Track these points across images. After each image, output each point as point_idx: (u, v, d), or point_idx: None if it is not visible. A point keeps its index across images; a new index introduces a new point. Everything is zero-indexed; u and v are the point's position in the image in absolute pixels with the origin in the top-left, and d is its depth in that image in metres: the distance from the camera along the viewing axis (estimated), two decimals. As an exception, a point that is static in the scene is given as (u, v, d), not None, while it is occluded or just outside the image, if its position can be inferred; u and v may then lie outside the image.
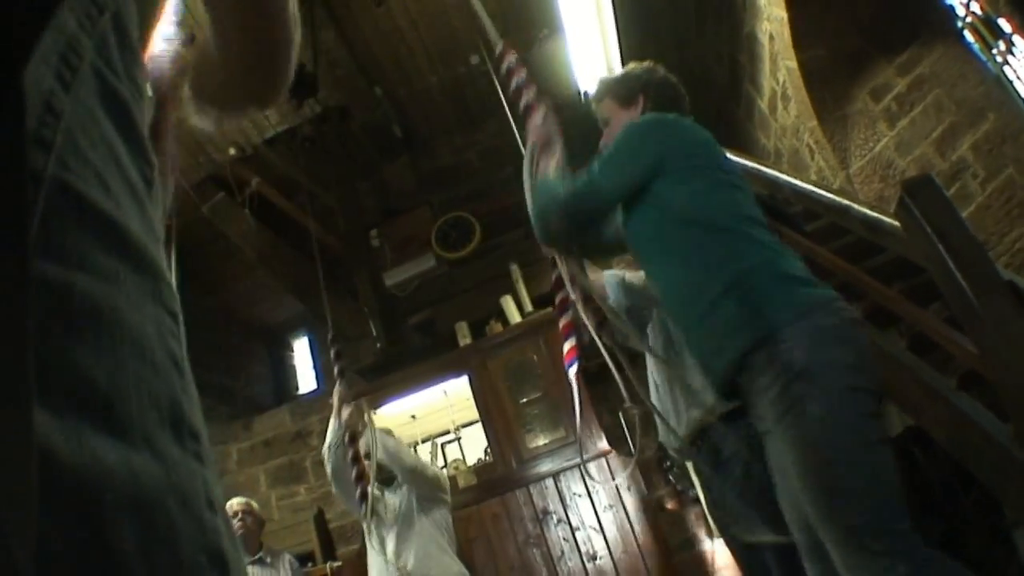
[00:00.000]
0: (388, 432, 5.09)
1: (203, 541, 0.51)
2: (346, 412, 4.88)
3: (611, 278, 3.63)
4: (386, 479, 5.10)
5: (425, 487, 4.93)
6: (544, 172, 2.72)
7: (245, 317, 9.16)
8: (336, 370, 5.08)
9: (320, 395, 8.08)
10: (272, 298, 8.63)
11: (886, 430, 2.23)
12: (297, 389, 9.49)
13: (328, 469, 5.02)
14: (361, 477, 4.71)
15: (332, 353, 5.22)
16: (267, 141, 7.23)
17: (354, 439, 4.81)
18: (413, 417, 7.25)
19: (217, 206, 7.46)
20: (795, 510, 2.35)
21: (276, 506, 8.10)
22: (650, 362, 3.72)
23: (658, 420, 3.59)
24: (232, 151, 7.05)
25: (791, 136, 5.58)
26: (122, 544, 0.44)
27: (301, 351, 9.78)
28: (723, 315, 2.32)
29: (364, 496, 4.66)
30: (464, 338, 7.17)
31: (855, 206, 4.04)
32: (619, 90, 2.91)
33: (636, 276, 3.60)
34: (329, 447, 4.98)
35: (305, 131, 7.17)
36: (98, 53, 0.58)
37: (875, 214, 3.88)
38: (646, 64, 2.96)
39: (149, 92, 0.77)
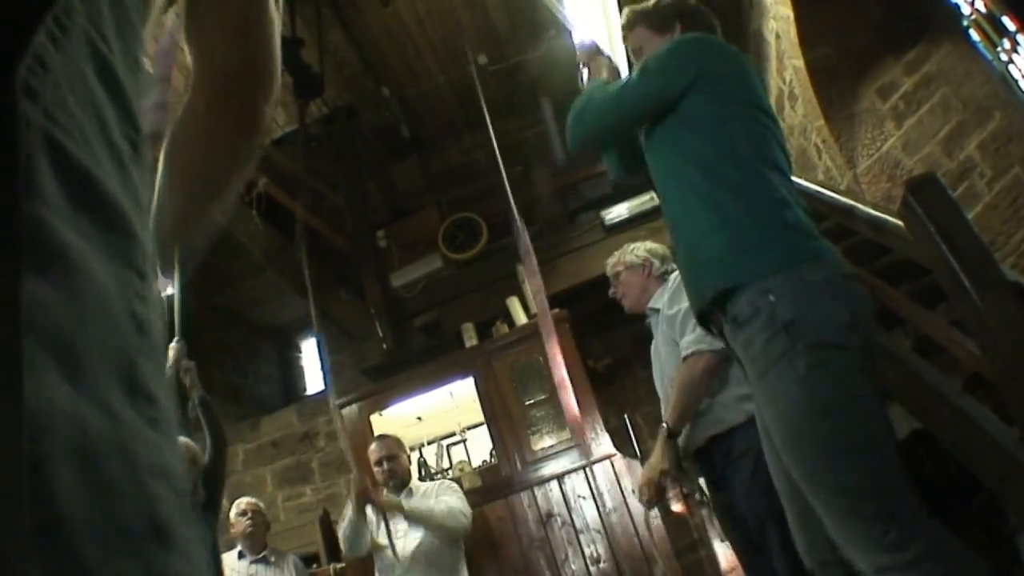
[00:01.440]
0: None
1: (143, 506, 0.50)
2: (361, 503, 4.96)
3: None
4: (395, 486, 5.16)
5: (454, 534, 4.99)
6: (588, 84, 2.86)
7: (253, 317, 9.16)
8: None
9: (325, 395, 8.05)
10: (280, 298, 8.62)
11: (875, 383, 2.14)
12: (305, 390, 9.49)
13: (346, 551, 5.17)
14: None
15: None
16: (274, 141, 7.22)
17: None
18: (419, 419, 7.24)
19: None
20: (782, 476, 2.30)
21: (282, 507, 8.12)
22: (657, 372, 3.71)
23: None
24: (239, 151, 7.03)
25: (798, 135, 5.54)
26: (59, 489, 0.44)
27: (309, 351, 9.78)
28: (712, 245, 2.31)
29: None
30: (470, 339, 7.15)
31: (860, 206, 4.00)
32: (654, 17, 2.89)
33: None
34: (345, 537, 5.07)
35: (312, 131, 7.15)
36: (91, 21, 0.60)
37: (879, 214, 3.84)
38: None
39: (149, 68, 0.76)
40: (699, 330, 2.96)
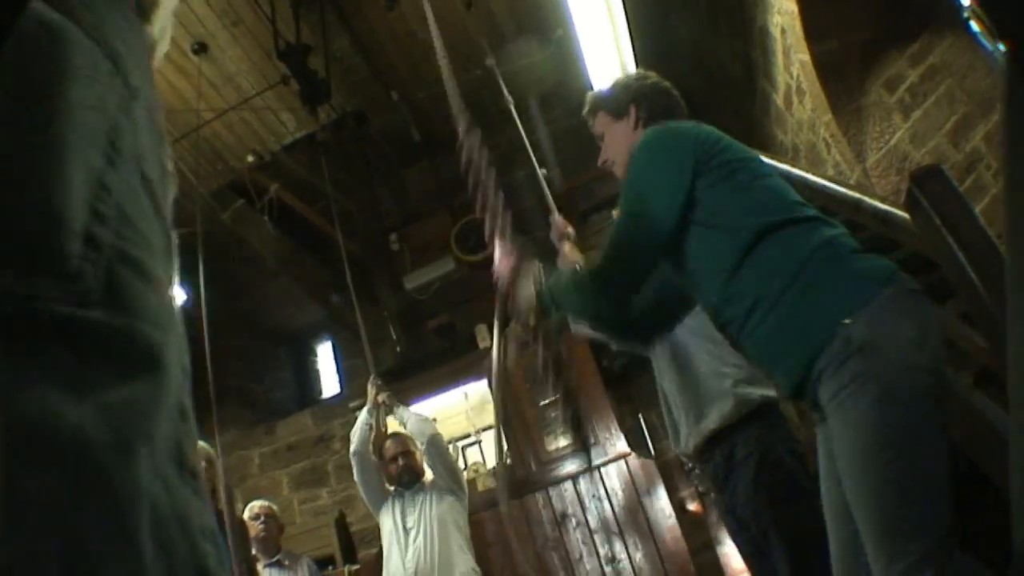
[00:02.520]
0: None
1: (195, 561, 0.61)
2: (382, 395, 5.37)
3: None
4: (408, 482, 5.18)
5: (444, 463, 5.19)
6: (550, 281, 2.58)
7: (268, 322, 9.20)
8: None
9: (343, 399, 8.08)
10: (295, 303, 8.66)
11: (944, 410, 2.01)
12: (320, 394, 9.52)
13: (353, 444, 5.38)
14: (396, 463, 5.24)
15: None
16: (285, 148, 7.24)
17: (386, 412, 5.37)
18: (434, 420, 7.24)
19: (237, 213, 7.48)
20: (835, 499, 2.24)
21: (298, 510, 8.15)
22: (659, 371, 3.68)
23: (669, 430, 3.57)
24: (250, 159, 7.06)
25: (807, 131, 5.51)
26: (146, 555, 0.55)
27: (324, 355, 9.81)
28: (788, 314, 2.15)
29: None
30: (483, 341, 7.15)
31: (867, 199, 3.97)
32: (609, 102, 2.78)
33: None
34: (358, 430, 5.36)
35: (323, 137, 7.17)
36: (135, 140, 0.71)
37: (886, 207, 3.80)
38: (637, 72, 2.83)
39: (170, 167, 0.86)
40: None
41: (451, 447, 7.26)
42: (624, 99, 2.74)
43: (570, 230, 3.59)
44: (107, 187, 0.64)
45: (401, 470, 5.26)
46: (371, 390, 5.44)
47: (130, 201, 0.67)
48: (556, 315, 2.70)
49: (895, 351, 1.99)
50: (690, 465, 6.08)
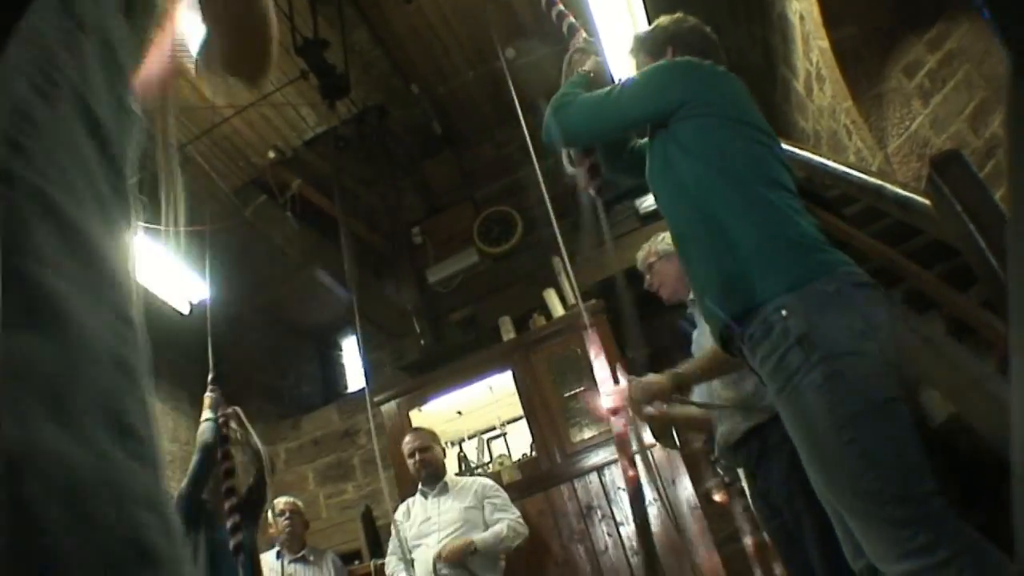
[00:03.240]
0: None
1: (133, 536, 0.55)
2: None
3: None
4: (429, 478, 5.24)
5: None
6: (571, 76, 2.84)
7: (293, 317, 9.22)
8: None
9: (365, 393, 8.11)
10: (319, 298, 8.68)
11: (896, 386, 2.04)
12: (346, 388, 9.55)
13: None
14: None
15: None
16: (306, 143, 7.27)
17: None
18: (459, 413, 7.26)
19: (259, 209, 7.52)
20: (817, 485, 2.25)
21: (324, 504, 8.18)
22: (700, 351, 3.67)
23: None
24: (271, 155, 7.10)
25: (828, 117, 5.46)
26: (50, 526, 0.49)
27: (350, 350, 9.83)
28: (719, 274, 2.27)
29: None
30: (508, 332, 7.16)
31: (888, 186, 3.93)
32: (648, 43, 2.85)
33: None
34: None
35: (344, 132, 7.19)
36: (80, 75, 0.66)
37: (907, 193, 3.76)
38: (676, 15, 2.87)
39: (138, 112, 0.80)
40: None
41: (476, 440, 7.28)
42: (662, 40, 2.81)
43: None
44: (32, 120, 0.59)
45: (420, 466, 5.24)
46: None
47: (61, 138, 0.63)
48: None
49: (835, 340, 2.02)
50: (715, 456, 6.05)
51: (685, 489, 5.55)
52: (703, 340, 3.62)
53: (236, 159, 7.01)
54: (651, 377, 3.30)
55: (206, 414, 4.67)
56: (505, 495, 5.28)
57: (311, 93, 6.40)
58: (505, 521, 5.02)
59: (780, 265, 2.16)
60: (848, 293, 2.10)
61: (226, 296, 6.99)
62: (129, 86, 0.78)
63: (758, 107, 2.57)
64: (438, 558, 4.87)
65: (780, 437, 3.16)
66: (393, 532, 5.21)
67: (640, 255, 3.91)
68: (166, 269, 6.75)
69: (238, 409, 4.77)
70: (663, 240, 3.80)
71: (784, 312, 2.07)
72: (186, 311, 7.14)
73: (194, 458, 4.62)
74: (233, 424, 4.71)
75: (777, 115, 6.39)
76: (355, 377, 9.53)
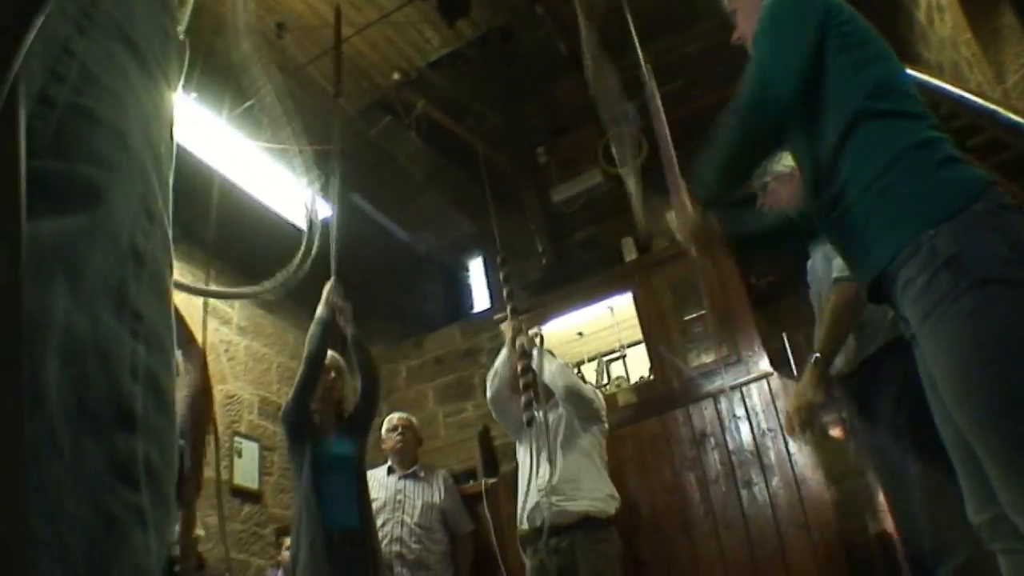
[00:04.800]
0: (550, 353, 5.25)
1: (116, 399, 0.63)
2: (520, 336, 5.17)
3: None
4: (536, 400, 5.23)
5: (582, 408, 5.04)
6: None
7: (418, 237, 9.31)
8: (506, 294, 5.28)
9: (491, 313, 8.18)
10: (445, 218, 8.77)
11: None
12: (471, 308, 9.65)
13: (489, 392, 5.29)
14: (527, 388, 5.02)
15: (502, 277, 5.38)
16: (431, 64, 7.28)
17: (524, 356, 5.06)
18: (580, 334, 7.31)
19: (385, 130, 7.60)
20: (951, 427, 2.15)
21: (443, 423, 8.33)
22: (815, 292, 3.62)
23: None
24: (396, 76, 7.14)
25: (950, 48, 5.17)
26: (45, 376, 0.57)
27: (476, 270, 9.92)
28: (869, 210, 2.13)
29: (528, 405, 4.99)
30: (630, 253, 7.14)
31: (1002, 111, 3.71)
32: None
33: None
34: (496, 373, 5.27)
35: (469, 54, 7.18)
36: (121, 10, 0.76)
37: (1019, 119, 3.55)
38: None
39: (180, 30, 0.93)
40: None
41: (595, 363, 7.32)
42: None
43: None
44: (71, 52, 0.68)
45: (527, 387, 5.29)
46: (508, 328, 5.33)
47: (99, 61, 0.71)
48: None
49: (984, 265, 1.89)
50: (835, 389, 5.93)
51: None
52: (818, 265, 3.57)
53: (360, 80, 7.07)
54: (802, 387, 3.37)
55: (320, 310, 4.75)
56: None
57: (434, 15, 6.40)
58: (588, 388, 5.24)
59: (932, 196, 2.03)
60: (995, 213, 1.98)
61: (350, 215, 7.15)
62: (172, 16, 0.89)
63: (888, 39, 2.41)
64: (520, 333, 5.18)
65: (890, 374, 3.10)
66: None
67: (756, 173, 3.86)
68: (289, 187, 6.95)
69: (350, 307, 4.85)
70: (780, 160, 3.73)
71: (931, 231, 1.96)
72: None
73: (300, 369, 4.74)
74: (341, 320, 4.79)
75: (903, 45, 6.07)
76: (481, 297, 9.62)
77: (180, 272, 0.90)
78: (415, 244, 9.27)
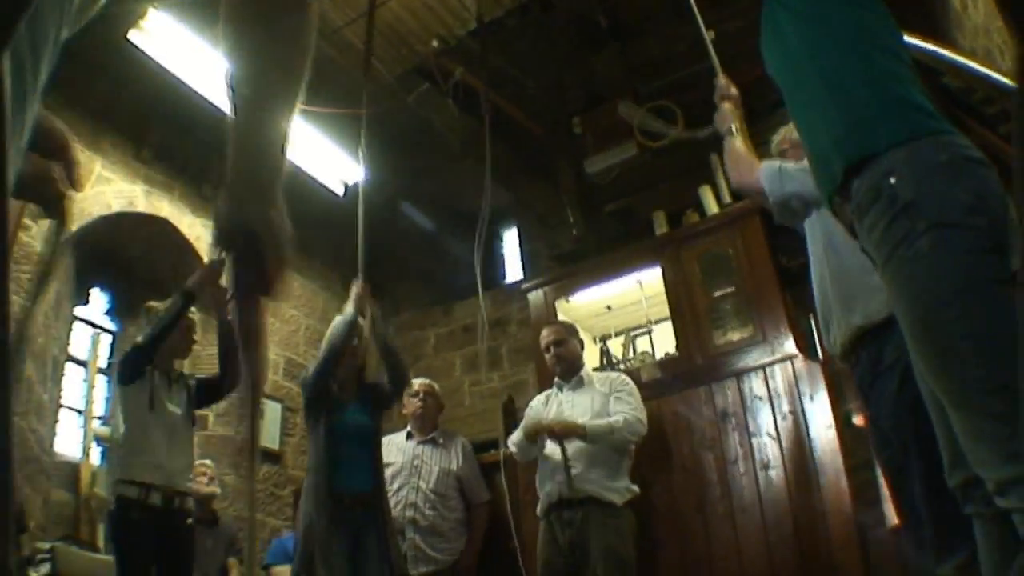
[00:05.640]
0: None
1: None
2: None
3: (767, 168, 3.53)
4: (565, 373, 5.29)
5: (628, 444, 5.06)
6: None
7: (452, 205, 9.32)
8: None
9: (521, 283, 8.18)
10: (479, 187, 8.75)
11: (1006, 270, 1.90)
12: (503, 278, 9.66)
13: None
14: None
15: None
16: (470, 33, 7.26)
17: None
18: (608, 308, 7.30)
19: (422, 96, 7.62)
20: (925, 382, 2.12)
21: (468, 391, 8.38)
22: (814, 259, 3.58)
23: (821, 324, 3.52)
24: (435, 43, 7.14)
25: (983, 36, 5.08)
26: None
27: (510, 240, 9.90)
28: (833, 125, 2.23)
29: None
30: (661, 227, 7.14)
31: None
32: None
33: (794, 165, 3.49)
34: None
35: (508, 23, 7.16)
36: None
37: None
38: None
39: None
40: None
41: (623, 337, 7.30)
42: None
43: (733, 91, 3.82)
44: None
45: (555, 360, 5.30)
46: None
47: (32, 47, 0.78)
48: None
49: (943, 209, 1.93)
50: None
51: (823, 407, 5.34)
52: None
53: (399, 46, 7.08)
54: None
55: (347, 308, 4.83)
56: (633, 389, 5.22)
57: (472, -19, 6.40)
58: (623, 415, 4.96)
59: (888, 119, 2.12)
60: (959, 164, 2.01)
61: (383, 181, 7.17)
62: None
63: (923, 27, 2.48)
64: (547, 428, 4.98)
65: (894, 358, 3.05)
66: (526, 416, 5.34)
67: (775, 138, 3.87)
68: (322, 150, 6.97)
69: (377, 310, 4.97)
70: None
71: (893, 179, 2.01)
72: (340, 192, 7.39)
73: (320, 355, 4.83)
74: (363, 320, 4.87)
75: (937, 30, 5.96)
76: (513, 267, 9.62)
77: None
78: (449, 210, 9.26)
